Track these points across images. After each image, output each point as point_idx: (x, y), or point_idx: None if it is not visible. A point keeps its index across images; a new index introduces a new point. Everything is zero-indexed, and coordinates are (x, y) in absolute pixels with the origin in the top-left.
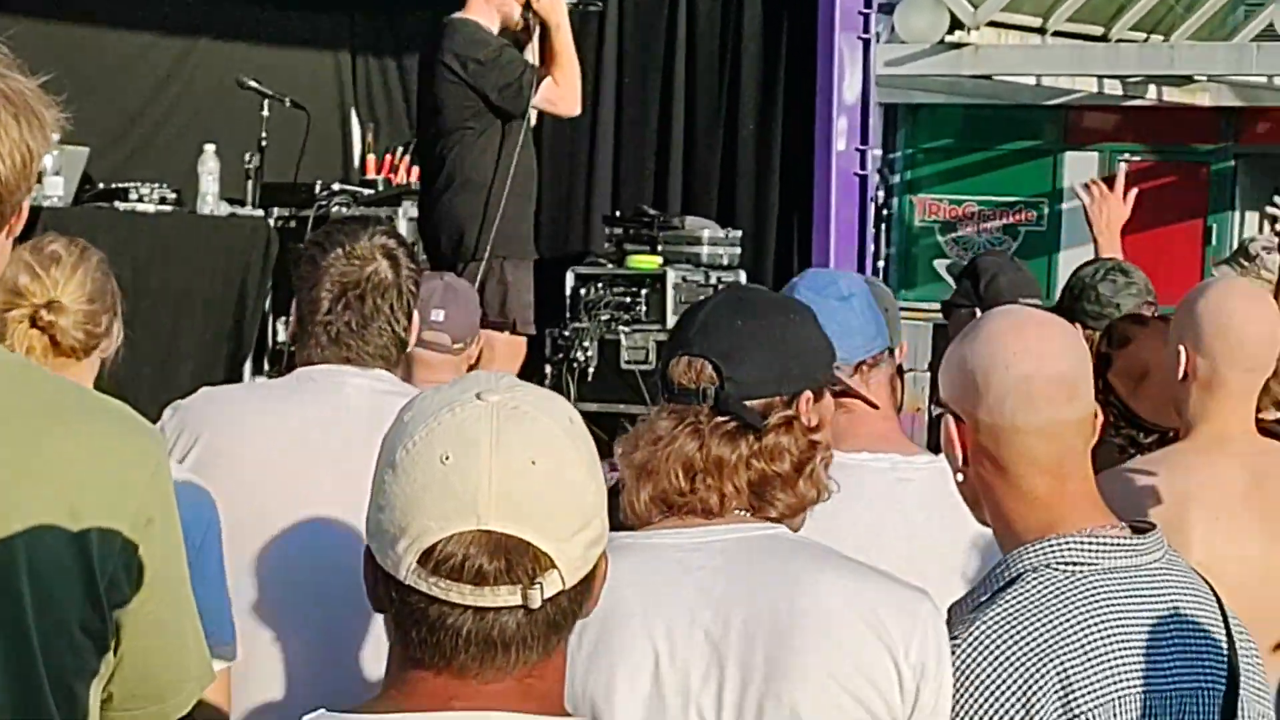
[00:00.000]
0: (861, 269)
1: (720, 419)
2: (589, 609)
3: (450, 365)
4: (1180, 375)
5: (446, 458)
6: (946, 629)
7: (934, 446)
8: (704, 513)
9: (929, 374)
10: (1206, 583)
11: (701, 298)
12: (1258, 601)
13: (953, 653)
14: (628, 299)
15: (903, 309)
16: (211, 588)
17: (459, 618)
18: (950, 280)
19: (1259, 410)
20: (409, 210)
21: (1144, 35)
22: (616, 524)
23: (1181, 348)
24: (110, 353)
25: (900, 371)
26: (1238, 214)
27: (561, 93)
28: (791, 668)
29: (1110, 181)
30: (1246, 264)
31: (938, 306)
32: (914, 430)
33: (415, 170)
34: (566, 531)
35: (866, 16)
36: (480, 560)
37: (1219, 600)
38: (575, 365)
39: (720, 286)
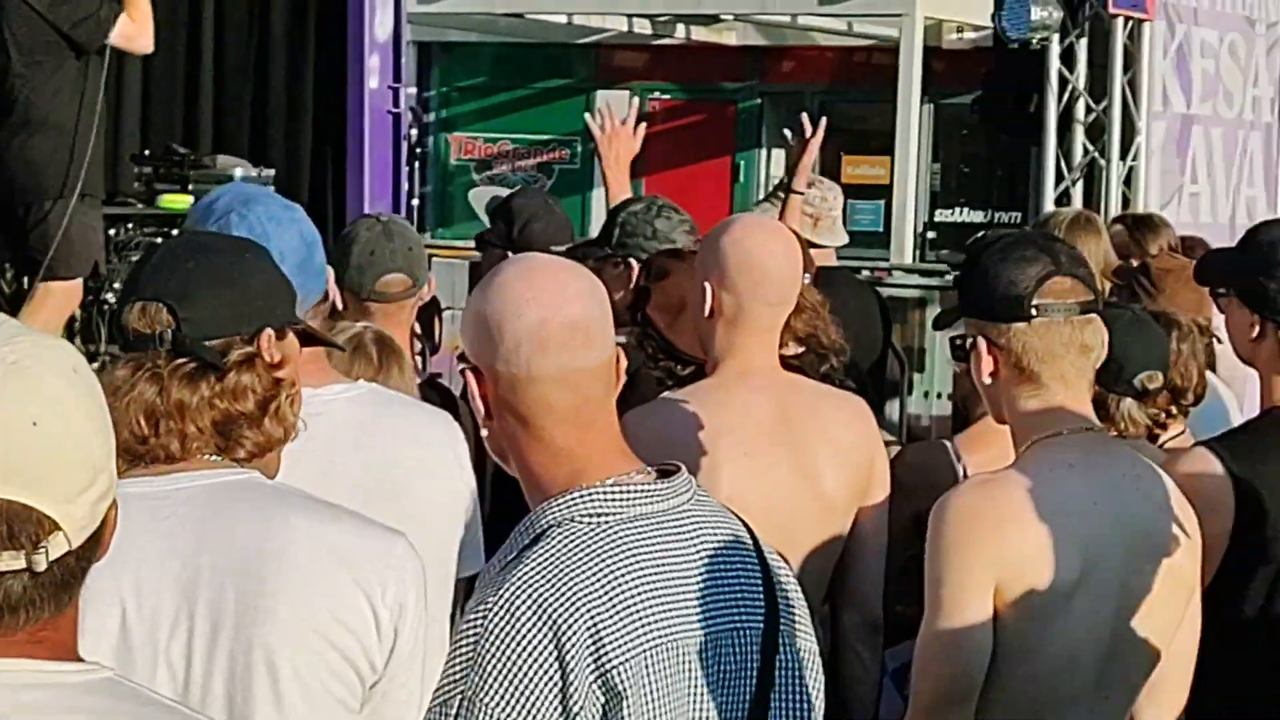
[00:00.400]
0: (396, 208)
1: (179, 361)
2: (100, 557)
3: None
4: (706, 312)
5: None
6: (418, 571)
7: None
8: (167, 459)
9: None
10: (739, 519)
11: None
12: (786, 534)
13: (484, 616)
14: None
15: (439, 247)
16: None
17: None
18: (484, 217)
19: (781, 346)
20: None
21: None
22: None
23: (707, 284)
24: None
25: (438, 309)
26: (765, 151)
27: (138, 28)
28: (262, 613)
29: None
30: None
31: (473, 245)
32: (452, 369)
33: None
34: (72, 491)
35: None
36: None
37: (753, 536)
38: (106, 307)
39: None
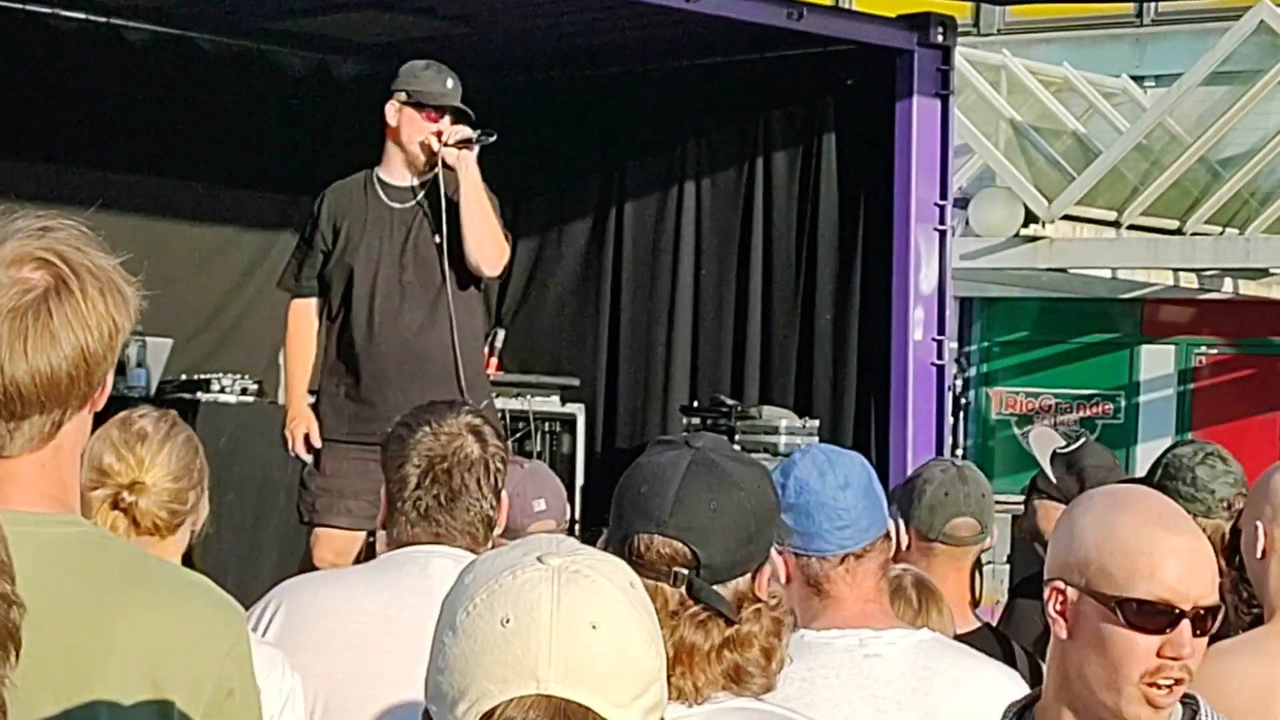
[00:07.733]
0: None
1: (695, 609)
2: None
3: None
4: (1258, 553)
5: (507, 620)
6: None
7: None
8: (679, 697)
9: (1008, 566)
10: None
11: (659, 459)
12: None
13: None
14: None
15: None
16: None
17: None
18: (1041, 458)
19: None
20: None
21: (1219, 229)
22: None
23: (1258, 524)
24: (199, 527)
25: (979, 564)
26: None
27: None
28: None
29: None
30: None
31: (1016, 498)
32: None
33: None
34: (626, 697)
35: (942, 208)
36: None
37: None
38: None
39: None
